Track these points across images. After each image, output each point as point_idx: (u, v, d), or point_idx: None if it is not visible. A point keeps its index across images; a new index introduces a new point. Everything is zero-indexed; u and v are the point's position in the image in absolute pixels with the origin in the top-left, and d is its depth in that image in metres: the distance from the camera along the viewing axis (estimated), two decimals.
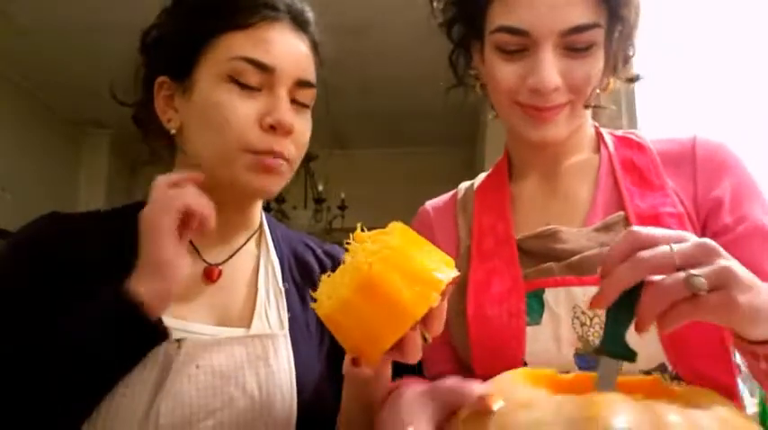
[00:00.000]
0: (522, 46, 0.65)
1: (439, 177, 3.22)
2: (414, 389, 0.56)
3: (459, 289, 0.69)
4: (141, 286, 0.58)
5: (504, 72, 0.66)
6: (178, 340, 0.64)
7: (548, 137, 0.68)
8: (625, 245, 0.46)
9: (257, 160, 0.67)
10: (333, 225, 4.35)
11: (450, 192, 0.85)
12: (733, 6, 1.81)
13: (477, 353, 0.66)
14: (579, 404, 0.40)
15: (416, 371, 0.63)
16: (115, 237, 0.68)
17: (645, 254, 0.44)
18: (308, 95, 0.72)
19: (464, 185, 0.84)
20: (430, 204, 0.85)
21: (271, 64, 0.67)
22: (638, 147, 0.73)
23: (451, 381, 0.50)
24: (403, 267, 0.53)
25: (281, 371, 0.68)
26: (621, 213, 0.67)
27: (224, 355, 0.66)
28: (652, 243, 0.45)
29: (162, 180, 0.62)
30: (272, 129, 0.67)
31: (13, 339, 0.60)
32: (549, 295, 0.65)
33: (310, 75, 0.72)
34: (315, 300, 0.56)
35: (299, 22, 0.72)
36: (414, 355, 0.56)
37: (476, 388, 0.48)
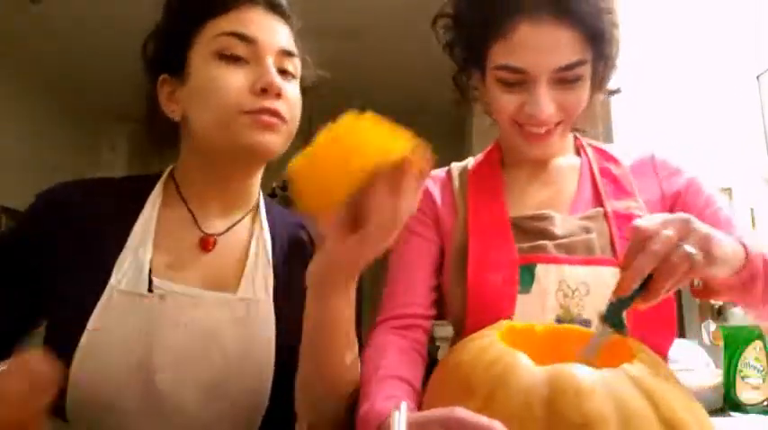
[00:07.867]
0: (520, 80, 0.73)
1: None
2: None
3: (460, 257, 0.78)
4: None
5: (505, 101, 0.75)
6: (161, 295, 0.69)
7: (543, 154, 0.82)
8: (636, 241, 0.54)
9: (254, 119, 0.71)
10: None
11: (443, 169, 0.91)
12: (707, 23, 1.85)
13: (473, 313, 0.74)
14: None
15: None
16: (130, 196, 0.76)
17: (655, 246, 0.52)
18: (292, 63, 0.76)
19: (456, 166, 0.91)
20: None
21: (252, 35, 0.72)
22: (614, 160, 0.85)
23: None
24: (376, 127, 0.55)
25: (260, 333, 0.72)
26: (600, 209, 0.79)
27: (205, 314, 0.70)
28: (654, 232, 0.54)
29: None
30: (263, 92, 0.71)
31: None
32: (540, 269, 0.73)
33: (291, 46, 0.76)
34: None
35: (274, 7, 0.77)
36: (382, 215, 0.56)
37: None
